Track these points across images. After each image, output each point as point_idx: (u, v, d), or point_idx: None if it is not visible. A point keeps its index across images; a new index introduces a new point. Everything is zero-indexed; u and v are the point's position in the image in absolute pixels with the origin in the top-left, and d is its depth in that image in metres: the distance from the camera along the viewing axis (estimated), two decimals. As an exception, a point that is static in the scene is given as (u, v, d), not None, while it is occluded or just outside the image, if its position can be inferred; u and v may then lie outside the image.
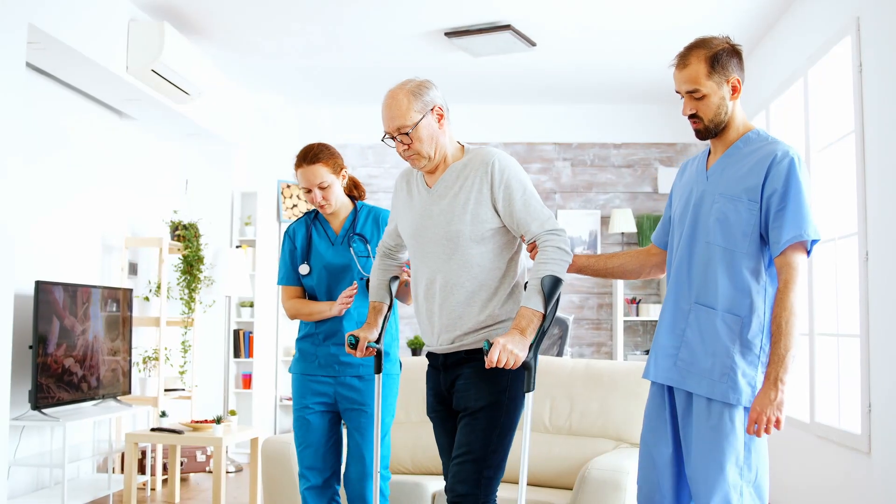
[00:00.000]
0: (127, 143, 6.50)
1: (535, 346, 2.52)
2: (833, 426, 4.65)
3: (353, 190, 3.52)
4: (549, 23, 5.77)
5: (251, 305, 7.45)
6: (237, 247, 7.34)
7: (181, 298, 6.56)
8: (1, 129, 4.09)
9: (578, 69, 6.81)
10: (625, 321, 7.68)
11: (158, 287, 6.35)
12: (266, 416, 7.67)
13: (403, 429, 4.30)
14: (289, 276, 3.47)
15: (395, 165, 8.08)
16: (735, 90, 2.58)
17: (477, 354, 2.70)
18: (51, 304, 4.97)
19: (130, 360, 5.88)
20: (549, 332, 6.73)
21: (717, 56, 2.55)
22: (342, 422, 3.44)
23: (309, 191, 3.34)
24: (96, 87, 5.59)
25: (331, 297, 3.40)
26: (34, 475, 5.30)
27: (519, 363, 2.51)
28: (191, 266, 6.53)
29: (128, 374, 5.82)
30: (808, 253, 2.50)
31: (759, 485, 2.53)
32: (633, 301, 7.66)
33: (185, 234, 6.59)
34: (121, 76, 5.33)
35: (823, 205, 4.95)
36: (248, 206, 7.58)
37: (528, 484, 4.00)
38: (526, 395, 2.58)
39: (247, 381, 7.47)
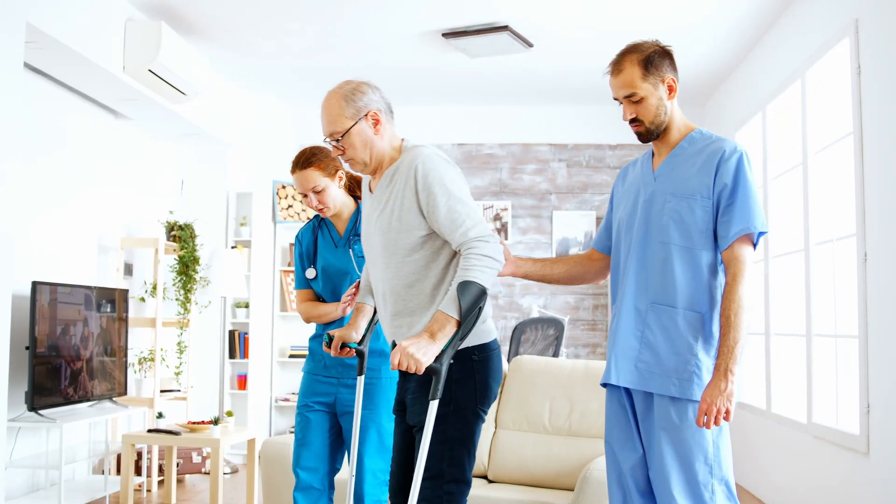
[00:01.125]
0: (123, 144, 6.48)
1: (446, 353, 2.40)
2: (831, 426, 4.66)
3: (357, 189, 3.50)
4: (547, 24, 5.77)
5: (246, 306, 7.43)
6: (232, 247, 7.32)
7: (177, 299, 6.54)
8: (0, 130, 4.07)
9: (575, 70, 6.81)
10: (620, 322, 7.67)
11: (154, 288, 6.33)
12: (261, 417, 7.65)
13: (402, 430, 4.30)
14: (300, 280, 3.47)
15: (390, 166, 8.07)
16: (671, 90, 2.63)
17: None
18: (47, 304, 4.94)
19: (126, 362, 5.86)
20: (545, 333, 6.74)
21: (649, 58, 2.60)
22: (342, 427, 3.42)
23: (306, 195, 3.33)
24: (93, 86, 5.57)
25: (337, 299, 3.38)
26: (29, 477, 5.28)
27: (421, 369, 2.37)
28: (186, 267, 6.51)
29: (123, 376, 5.80)
30: (755, 245, 2.54)
31: (729, 481, 2.53)
32: (628, 302, 7.66)
33: (180, 235, 6.58)
34: (117, 76, 5.31)
35: (820, 206, 4.97)
36: (243, 206, 7.56)
37: (528, 485, 4.00)
38: (430, 402, 2.43)
39: (242, 381, 7.45)
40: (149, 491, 6.00)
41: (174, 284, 6.53)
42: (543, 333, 6.75)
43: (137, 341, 6.52)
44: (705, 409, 2.43)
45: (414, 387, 2.64)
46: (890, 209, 4.00)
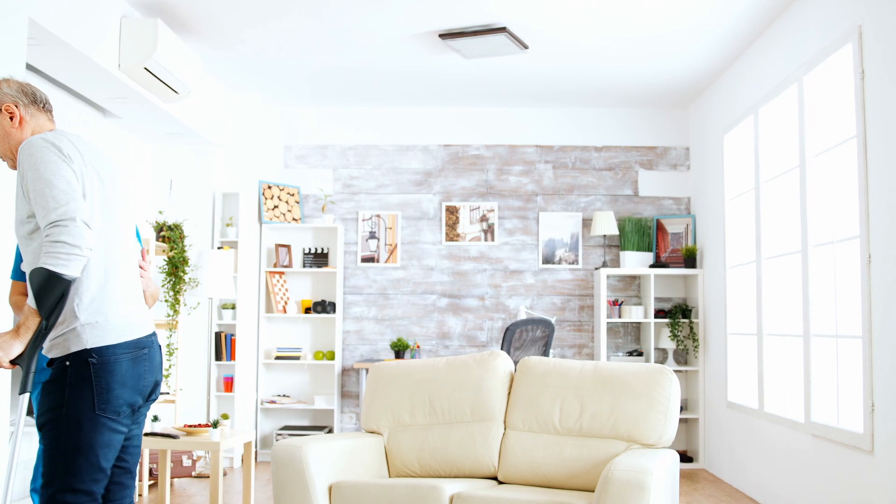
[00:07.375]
0: (111, 142, 6.38)
1: (32, 345, 2.39)
2: (832, 426, 4.72)
3: None
4: (544, 26, 5.77)
5: (233, 307, 7.36)
6: (219, 248, 7.24)
7: (166, 301, 6.45)
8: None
9: (565, 72, 6.83)
10: (607, 323, 7.72)
11: (144, 289, 6.23)
12: (247, 419, 7.58)
13: (410, 432, 4.28)
14: (16, 271, 3.47)
15: (376, 167, 8.04)
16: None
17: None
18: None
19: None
20: (533, 335, 6.75)
21: None
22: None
23: None
24: (85, 84, 5.46)
25: None
26: (24, 481, 5.17)
27: (5, 364, 2.38)
28: (176, 268, 6.43)
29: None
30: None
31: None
32: (615, 303, 7.72)
33: (170, 236, 6.49)
34: (113, 73, 5.22)
35: (819, 209, 5.03)
36: (229, 207, 7.49)
37: (540, 486, 4.00)
38: (20, 396, 2.40)
39: (228, 384, 7.37)
40: (140, 495, 5.91)
41: (163, 285, 6.44)
42: (532, 335, 6.76)
43: (126, 343, 6.41)
44: None
45: (41, 386, 2.58)
46: (894, 211, 4.06)
